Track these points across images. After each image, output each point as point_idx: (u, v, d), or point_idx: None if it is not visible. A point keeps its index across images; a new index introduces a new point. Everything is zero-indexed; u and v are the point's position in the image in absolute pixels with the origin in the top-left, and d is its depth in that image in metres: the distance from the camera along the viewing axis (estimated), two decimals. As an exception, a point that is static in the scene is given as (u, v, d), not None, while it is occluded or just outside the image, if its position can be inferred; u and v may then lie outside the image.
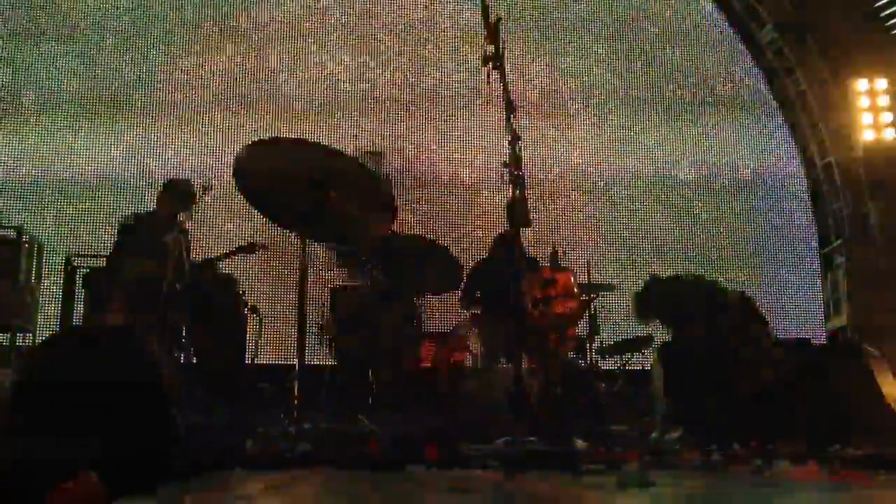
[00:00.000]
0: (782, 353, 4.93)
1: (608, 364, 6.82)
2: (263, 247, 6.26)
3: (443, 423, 4.96)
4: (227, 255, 6.18)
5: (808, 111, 9.10)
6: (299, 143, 4.62)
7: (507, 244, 6.19)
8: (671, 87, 9.15)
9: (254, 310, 6.01)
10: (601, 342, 6.56)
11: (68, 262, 6.29)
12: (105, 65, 8.69)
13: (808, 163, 9.16)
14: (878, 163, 8.51)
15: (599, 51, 9.18)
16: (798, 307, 8.52)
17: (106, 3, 8.86)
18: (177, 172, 7.20)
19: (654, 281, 5.68)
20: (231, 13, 8.94)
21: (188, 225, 6.18)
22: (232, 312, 5.90)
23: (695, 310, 5.28)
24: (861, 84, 8.56)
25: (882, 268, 7.81)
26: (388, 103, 8.87)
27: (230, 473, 2.70)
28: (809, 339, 6.94)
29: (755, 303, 5.39)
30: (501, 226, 6.49)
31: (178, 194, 6.11)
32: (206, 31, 8.90)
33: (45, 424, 2.35)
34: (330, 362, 5.92)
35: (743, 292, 5.49)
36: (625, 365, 6.73)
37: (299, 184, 4.28)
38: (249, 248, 6.22)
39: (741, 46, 9.33)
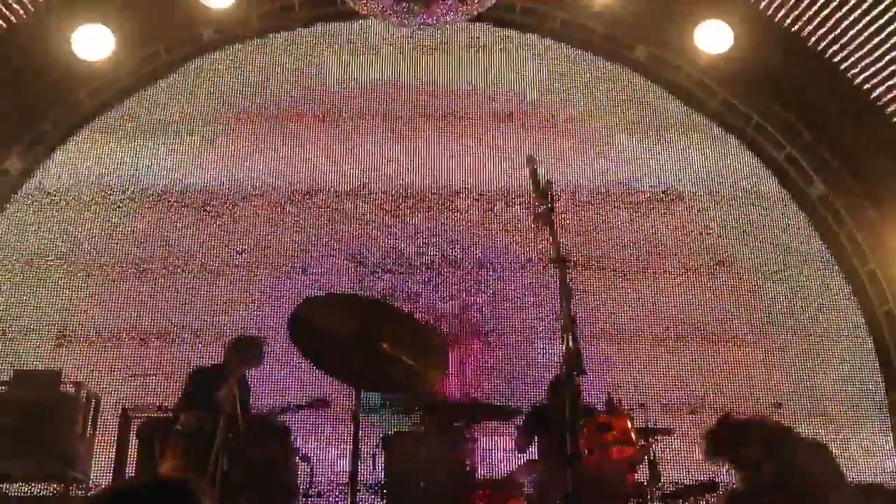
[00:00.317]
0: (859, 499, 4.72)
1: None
2: (327, 403, 6.38)
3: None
4: (300, 408, 6.32)
5: (861, 258, 8.99)
6: (353, 297, 4.71)
7: (562, 391, 6.16)
8: (720, 241, 9.16)
9: (304, 459, 5.99)
10: (663, 488, 6.35)
11: (124, 414, 6.35)
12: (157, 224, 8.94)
13: (867, 310, 8.96)
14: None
15: (650, 207, 9.25)
16: (867, 452, 8.20)
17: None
18: (237, 328, 7.37)
19: (728, 420, 5.53)
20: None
21: (249, 379, 6.33)
22: (283, 461, 5.87)
23: (768, 452, 5.11)
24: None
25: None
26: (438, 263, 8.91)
27: None
28: (883, 483, 6.64)
29: (831, 451, 5.21)
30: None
31: (244, 350, 6.34)
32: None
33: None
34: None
35: (818, 440, 5.32)
36: (689, 512, 6.47)
37: (352, 337, 4.33)
38: (322, 403, 6.37)
39: (792, 205, 9.34)
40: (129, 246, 8.76)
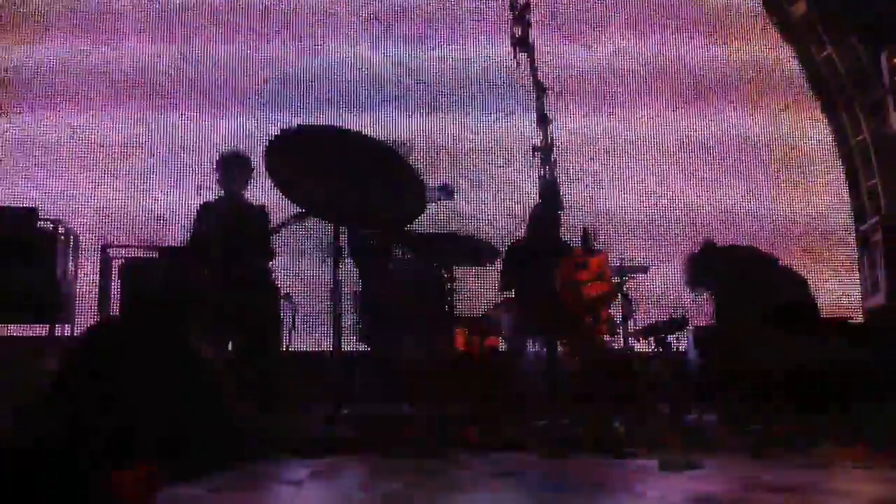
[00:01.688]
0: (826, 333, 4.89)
1: (643, 346, 6.77)
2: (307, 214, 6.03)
3: (480, 408, 4.98)
4: (282, 225, 6.07)
5: (841, 87, 8.97)
6: (329, 129, 4.62)
7: (540, 227, 6.21)
8: (705, 66, 9.05)
9: (287, 298, 6.03)
10: (635, 324, 6.52)
11: (104, 252, 6.33)
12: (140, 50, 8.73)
13: (841, 140, 9.02)
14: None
15: (635, 30, 9.09)
16: (836, 287, 8.42)
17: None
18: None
19: (711, 247, 5.63)
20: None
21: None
22: (267, 300, 5.92)
23: (752, 278, 5.23)
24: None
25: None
26: (413, 87, 8.84)
27: (275, 460, 2.72)
28: (849, 318, 6.85)
29: (809, 286, 5.36)
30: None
31: (225, 169, 6.13)
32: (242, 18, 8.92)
33: (93, 410, 2.38)
34: (364, 349, 5.94)
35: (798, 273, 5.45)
36: (660, 346, 6.68)
37: (329, 171, 4.28)
38: (303, 215, 6.07)
39: (772, 27, 9.20)
40: (107, 71, 8.57)
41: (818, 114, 9.09)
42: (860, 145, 8.89)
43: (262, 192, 6.26)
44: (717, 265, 5.42)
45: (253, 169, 6.15)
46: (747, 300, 5.17)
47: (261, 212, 6.20)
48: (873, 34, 8.49)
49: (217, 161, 6.26)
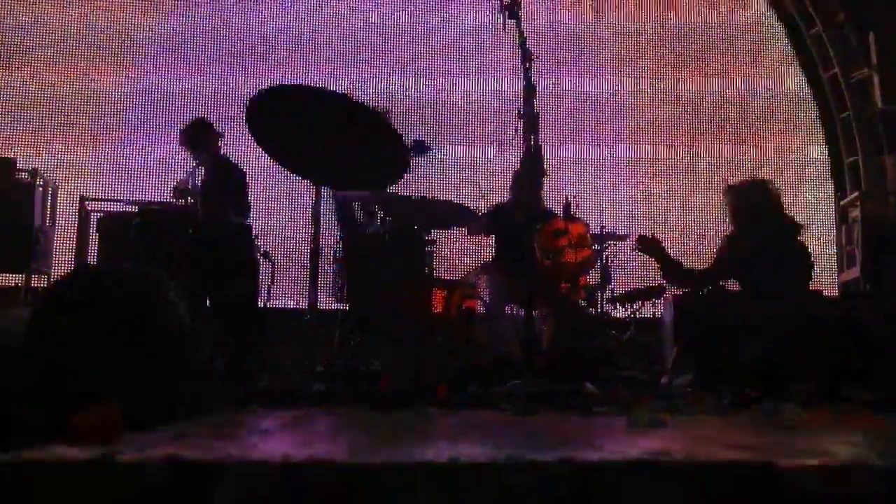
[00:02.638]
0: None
1: (619, 313, 6.84)
2: None
3: (454, 366, 5.01)
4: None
5: (827, 64, 9.00)
6: (311, 89, 4.59)
7: (522, 192, 6.22)
8: (690, 34, 9.06)
9: (266, 255, 6.04)
10: (613, 291, 6.58)
11: (82, 204, 6.32)
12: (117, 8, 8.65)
13: (826, 116, 9.07)
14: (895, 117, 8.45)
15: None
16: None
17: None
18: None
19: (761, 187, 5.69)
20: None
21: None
22: (246, 258, 5.93)
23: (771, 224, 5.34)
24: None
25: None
26: (397, 50, 8.80)
27: (248, 410, 2.74)
28: (822, 291, 6.93)
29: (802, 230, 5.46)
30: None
31: (192, 136, 6.22)
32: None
33: (61, 354, 2.38)
34: (342, 306, 5.96)
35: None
36: (636, 313, 6.74)
37: (312, 130, 4.26)
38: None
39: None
40: (85, 33, 8.48)
41: (805, 88, 9.14)
42: (843, 122, 8.95)
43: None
44: (753, 204, 5.51)
45: (219, 132, 6.23)
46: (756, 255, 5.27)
47: (237, 169, 6.23)
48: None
49: (183, 133, 6.31)
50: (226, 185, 6.08)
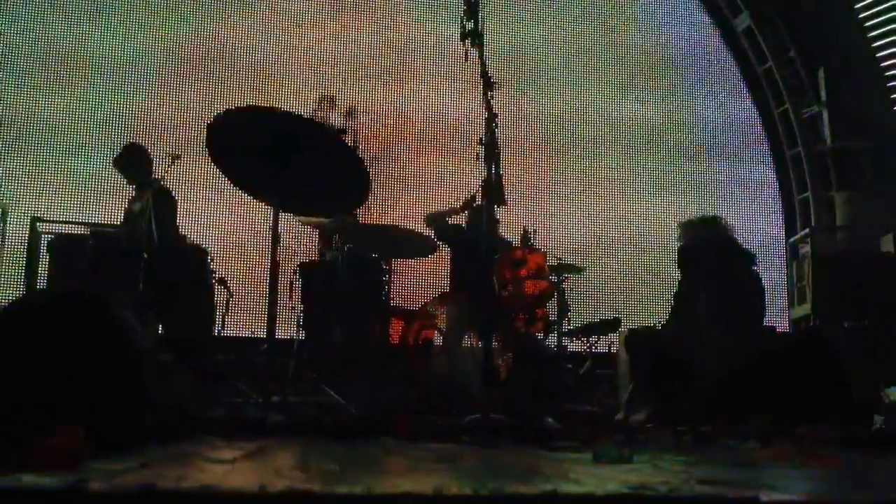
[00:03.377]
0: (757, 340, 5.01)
1: (575, 346, 6.86)
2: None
3: (413, 398, 4.97)
4: None
5: (778, 100, 9.22)
6: (275, 111, 4.54)
7: (481, 222, 6.22)
8: (649, 68, 9.20)
9: (221, 282, 5.95)
10: (569, 324, 6.60)
11: (33, 226, 6.17)
12: (72, 27, 8.53)
13: (776, 152, 9.28)
14: (844, 153, 8.67)
15: (579, 29, 9.19)
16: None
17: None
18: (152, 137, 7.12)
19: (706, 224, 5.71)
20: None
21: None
22: (201, 284, 5.83)
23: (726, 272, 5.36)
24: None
25: (845, 256, 7.95)
26: (360, 77, 8.80)
27: (203, 440, 2.67)
28: (775, 327, 7.03)
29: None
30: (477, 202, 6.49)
31: (127, 161, 6.17)
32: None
33: (14, 382, 2.31)
34: (299, 336, 5.89)
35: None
36: (592, 347, 6.77)
37: (271, 153, 4.20)
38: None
39: (716, 32, 9.42)
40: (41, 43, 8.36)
41: (757, 123, 9.34)
42: (794, 158, 9.15)
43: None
44: (705, 238, 5.55)
45: (151, 158, 6.19)
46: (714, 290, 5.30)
47: (170, 195, 6.16)
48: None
49: (118, 157, 6.24)
50: (166, 210, 6.01)
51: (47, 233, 6.11)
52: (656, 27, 9.38)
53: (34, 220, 6.24)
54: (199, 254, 5.94)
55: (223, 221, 7.80)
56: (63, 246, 5.62)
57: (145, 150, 6.32)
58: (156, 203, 5.52)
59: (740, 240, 5.79)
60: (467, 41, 4.38)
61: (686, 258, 5.64)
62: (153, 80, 8.47)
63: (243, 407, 4.30)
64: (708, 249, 5.53)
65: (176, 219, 6.26)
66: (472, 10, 4.34)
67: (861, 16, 8.79)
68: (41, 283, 5.86)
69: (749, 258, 5.56)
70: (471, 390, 4.81)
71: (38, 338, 2.46)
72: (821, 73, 8.85)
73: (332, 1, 9.00)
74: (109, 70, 8.44)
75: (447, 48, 8.53)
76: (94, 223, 6.49)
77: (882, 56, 8.78)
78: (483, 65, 4.38)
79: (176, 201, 6.26)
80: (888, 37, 8.73)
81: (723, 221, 5.76)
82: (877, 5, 8.68)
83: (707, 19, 9.49)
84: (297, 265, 6.16)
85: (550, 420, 4.39)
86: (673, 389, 4.80)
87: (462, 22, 4.38)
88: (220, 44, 8.70)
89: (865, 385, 4.92)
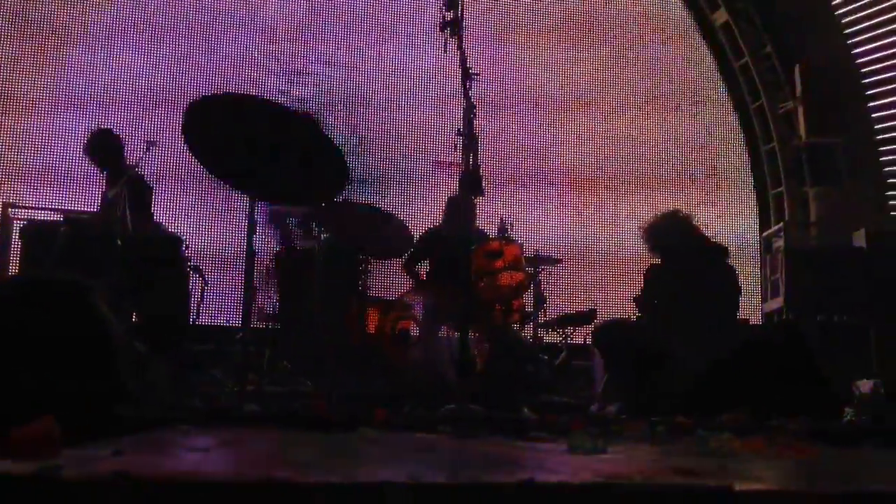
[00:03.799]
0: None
1: (551, 337, 6.88)
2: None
3: (390, 388, 4.97)
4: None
5: (754, 96, 9.29)
6: (250, 99, 4.51)
7: (458, 213, 6.22)
8: (627, 69, 9.22)
9: (196, 270, 5.92)
10: (545, 315, 6.62)
11: (4, 212, 6.10)
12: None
13: (752, 147, 9.35)
14: (818, 149, 8.74)
15: (560, 23, 9.19)
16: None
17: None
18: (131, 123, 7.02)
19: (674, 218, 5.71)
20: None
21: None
22: (175, 272, 5.79)
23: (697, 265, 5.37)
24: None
25: (818, 250, 8.03)
26: (335, 66, 8.75)
27: (178, 429, 2.66)
28: (748, 319, 7.09)
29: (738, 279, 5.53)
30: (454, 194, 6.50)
31: (98, 147, 6.07)
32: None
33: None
34: (274, 325, 5.87)
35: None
36: (567, 338, 6.79)
37: (247, 140, 4.17)
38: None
39: (695, 32, 9.45)
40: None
41: (733, 120, 9.39)
42: (769, 153, 9.22)
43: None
44: (673, 237, 5.54)
45: (123, 143, 6.10)
46: (684, 285, 5.31)
47: (145, 183, 6.07)
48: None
49: (88, 143, 6.13)
50: (141, 197, 5.92)
51: (20, 219, 6.04)
52: (635, 22, 9.40)
53: (6, 205, 6.17)
54: (174, 242, 5.90)
55: (199, 209, 7.73)
56: (35, 233, 5.57)
57: (117, 136, 6.23)
58: (130, 191, 5.47)
59: (711, 233, 5.82)
60: (447, 31, 4.37)
61: (657, 254, 5.67)
62: (129, 63, 8.37)
63: (218, 396, 4.28)
64: (674, 242, 5.55)
65: (151, 207, 6.18)
66: (451, 1, 4.33)
67: (837, 13, 8.87)
68: (13, 269, 5.81)
69: (722, 252, 5.59)
70: (447, 381, 4.82)
71: (10, 326, 2.43)
72: (797, 70, 8.93)
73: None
74: (83, 49, 8.32)
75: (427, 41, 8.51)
76: (68, 209, 6.41)
77: (857, 53, 8.87)
78: (462, 56, 4.37)
79: (151, 189, 6.18)
80: (864, 34, 8.81)
81: (681, 213, 5.77)
82: (853, 2, 8.76)
83: (685, 14, 9.52)
84: (274, 254, 6.14)
85: (526, 411, 4.41)
86: (646, 381, 4.82)
87: (442, 12, 4.38)
88: (200, 25, 8.61)
89: (837, 378, 4.97)
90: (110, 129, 6.30)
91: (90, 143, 6.18)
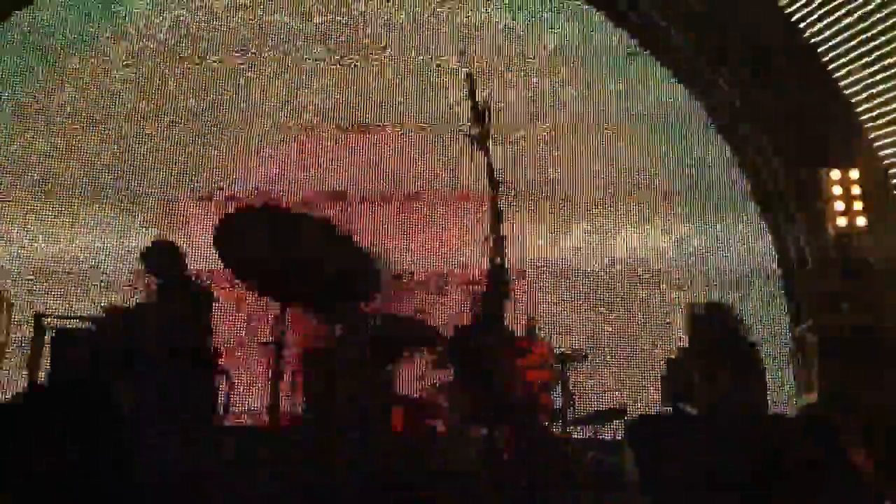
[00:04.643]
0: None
1: (581, 434, 6.79)
2: None
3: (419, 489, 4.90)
4: None
5: (784, 201, 9.28)
6: (283, 210, 4.63)
7: (486, 312, 6.22)
8: (656, 176, 9.25)
9: (225, 374, 5.91)
10: (574, 412, 6.55)
11: (38, 320, 6.18)
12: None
13: (781, 247, 9.27)
14: (849, 246, 8.63)
15: (587, 138, 9.28)
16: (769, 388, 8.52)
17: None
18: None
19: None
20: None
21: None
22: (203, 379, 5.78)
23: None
24: (834, 174, 8.63)
25: (852, 346, 7.87)
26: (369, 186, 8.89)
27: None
28: (782, 414, 6.96)
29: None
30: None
31: (159, 259, 6.04)
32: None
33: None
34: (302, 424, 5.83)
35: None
36: (597, 434, 6.71)
37: (280, 251, 4.25)
38: None
39: (720, 139, 9.48)
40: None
41: (760, 222, 9.34)
42: (798, 253, 9.14)
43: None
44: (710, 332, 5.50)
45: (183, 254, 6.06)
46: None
47: (206, 293, 6.00)
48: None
49: (145, 257, 6.10)
50: (203, 315, 5.82)
51: (51, 326, 6.12)
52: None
53: (38, 315, 6.24)
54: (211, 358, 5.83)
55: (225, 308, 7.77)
56: (65, 341, 5.59)
57: (177, 246, 6.07)
58: (196, 306, 5.45)
59: (745, 327, 5.77)
60: (474, 143, 4.45)
61: (691, 347, 5.63)
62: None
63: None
64: (714, 337, 5.51)
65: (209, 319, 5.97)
66: (478, 117, 4.41)
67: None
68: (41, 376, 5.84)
69: (753, 349, 5.55)
70: (475, 479, 4.76)
71: (40, 429, 2.47)
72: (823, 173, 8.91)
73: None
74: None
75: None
76: (98, 316, 6.41)
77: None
78: (489, 168, 4.44)
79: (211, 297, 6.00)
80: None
81: (732, 309, 5.75)
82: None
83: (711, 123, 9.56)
84: (301, 355, 6.14)
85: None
86: (680, 480, 4.73)
87: (468, 126, 4.46)
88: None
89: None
90: (171, 241, 6.22)
91: (150, 252, 6.05)
